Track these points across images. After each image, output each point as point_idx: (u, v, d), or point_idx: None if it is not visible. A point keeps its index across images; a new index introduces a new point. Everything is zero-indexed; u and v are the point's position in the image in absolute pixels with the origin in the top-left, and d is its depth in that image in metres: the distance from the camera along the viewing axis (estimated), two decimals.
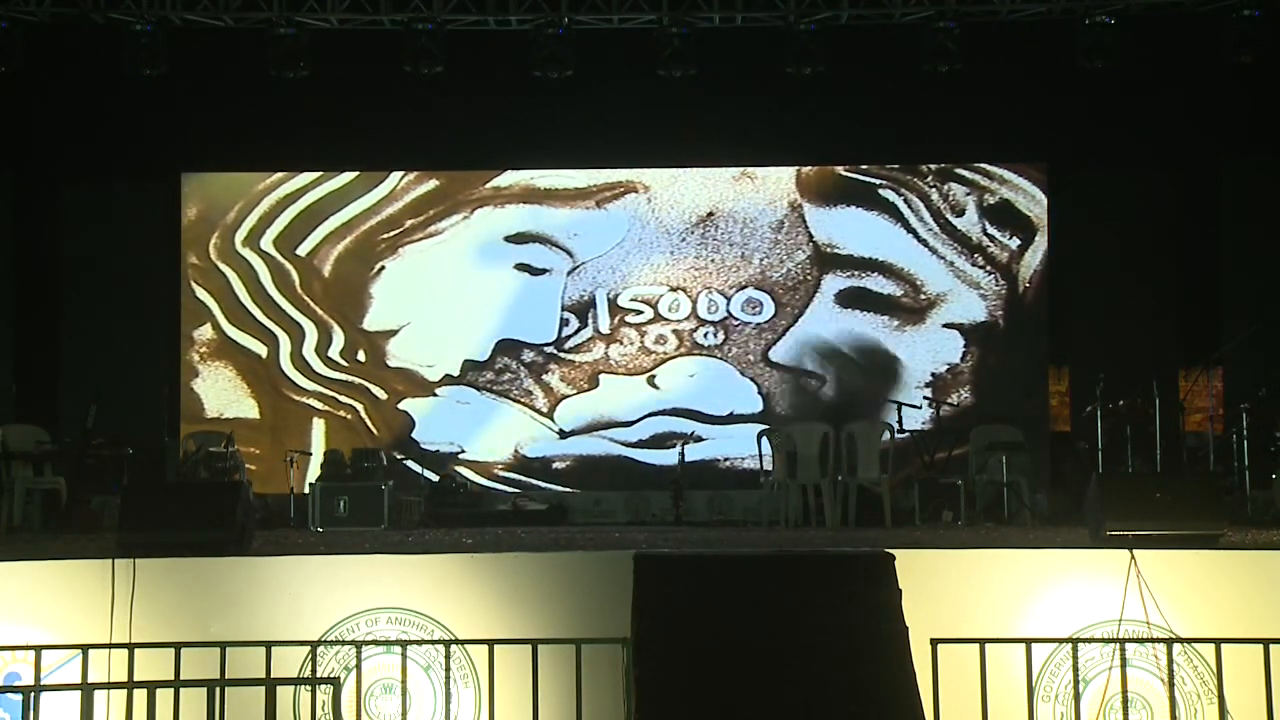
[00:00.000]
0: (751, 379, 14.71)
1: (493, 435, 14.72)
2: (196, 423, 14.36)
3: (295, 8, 13.61)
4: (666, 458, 14.43)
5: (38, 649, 6.99)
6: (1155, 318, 14.23)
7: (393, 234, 14.87)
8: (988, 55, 13.56)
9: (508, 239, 14.88)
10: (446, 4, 13.63)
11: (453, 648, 7.25)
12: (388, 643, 7.32)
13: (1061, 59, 13.53)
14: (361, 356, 14.80)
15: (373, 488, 11.87)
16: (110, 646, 7.10)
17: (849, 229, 14.78)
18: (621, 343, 14.79)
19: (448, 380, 14.78)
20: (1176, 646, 7.16)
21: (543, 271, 14.84)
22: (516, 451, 14.71)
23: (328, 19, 13.71)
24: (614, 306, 14.79)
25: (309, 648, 7.17)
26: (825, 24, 13.52)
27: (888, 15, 13.66)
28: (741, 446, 14.42)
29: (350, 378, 14.78)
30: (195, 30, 13.71)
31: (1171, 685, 7.06)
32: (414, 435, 14.69)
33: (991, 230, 14.67)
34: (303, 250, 14.84)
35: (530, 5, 13.67)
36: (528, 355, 14.80)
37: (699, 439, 14.52)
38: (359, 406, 14.75)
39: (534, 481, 14.59)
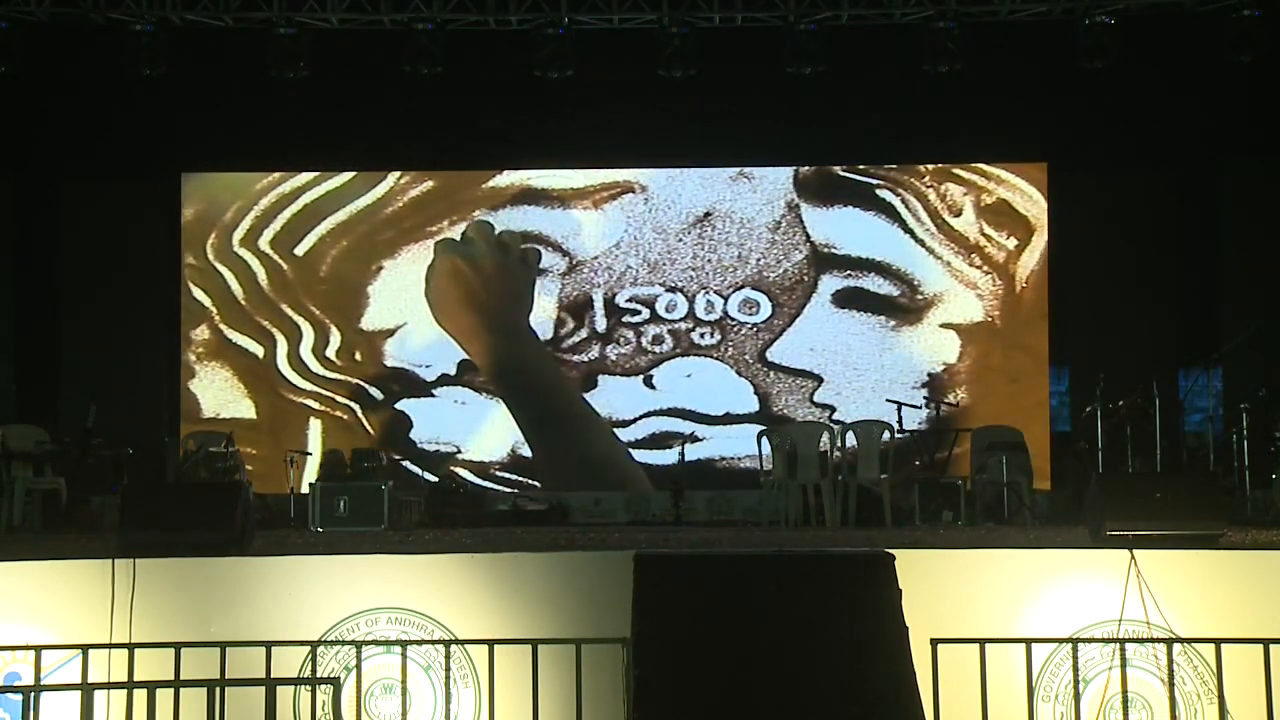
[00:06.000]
0: (748, 379, 14.71)
1: (490, 435, 14.72)
2: (194, 423, 14.35)
3: (295, 8, 13.60)
4: (665, 458, 14.44)
5: (38, 649, 6.99)
6: (1155, 318, 14.24)
7: (390, 234, 14.86)
8: (988, 55, 13.56)
9: None
10: (446, 4, 13.63)
11: (453, 648, 7.25)
12: (388, 643, 7.32)
13: (1061, 59, 13.54)
14: (359, 357, 14.80)
15: (372, 488, 11.84)
16: (110, 646, 7.10)
17: (846, 229, 14.77)
18: (618, 343, 14.79)
19: (445, 380, 14.77)
20: (1176, 646, 7.16)
21: (540, 272, 14.83)
22: (514, 451, 14.71)
23: (328, 19, 13.71)
24: (611, 307, 14.78)
25: (309, 648, 7.16)
26: (825, 24, 13.52)
27: (888, 15, 13.66)
28: (740, 446, 14.43)
29: (347, 378, 14.78)
30: (195, 30, 13.71)
31: (1171, 685, 7.07)
32: (411, 435, 14.69)
33: (989, 230, 14.67)
34: (300, 250, 14.83)
35: (530, 5, 13.67)
36: None
37: (697, 439, 14.53)
38: (356, 407, 14.75)
39: (532, 482, 14.59)
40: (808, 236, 14.78)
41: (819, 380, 14.68)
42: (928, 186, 14.74)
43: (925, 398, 13.85)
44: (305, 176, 14.87)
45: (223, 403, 14.74)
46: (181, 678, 6.73)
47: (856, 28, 13.72)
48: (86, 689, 6.02)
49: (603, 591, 7.36)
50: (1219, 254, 14.46)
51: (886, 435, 11.64)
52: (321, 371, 14.77)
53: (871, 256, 14.74)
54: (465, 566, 7.62)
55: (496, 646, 7.05)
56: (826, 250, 14.77)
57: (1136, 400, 11.63)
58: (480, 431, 14.72)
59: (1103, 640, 7.26)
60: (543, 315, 14.78)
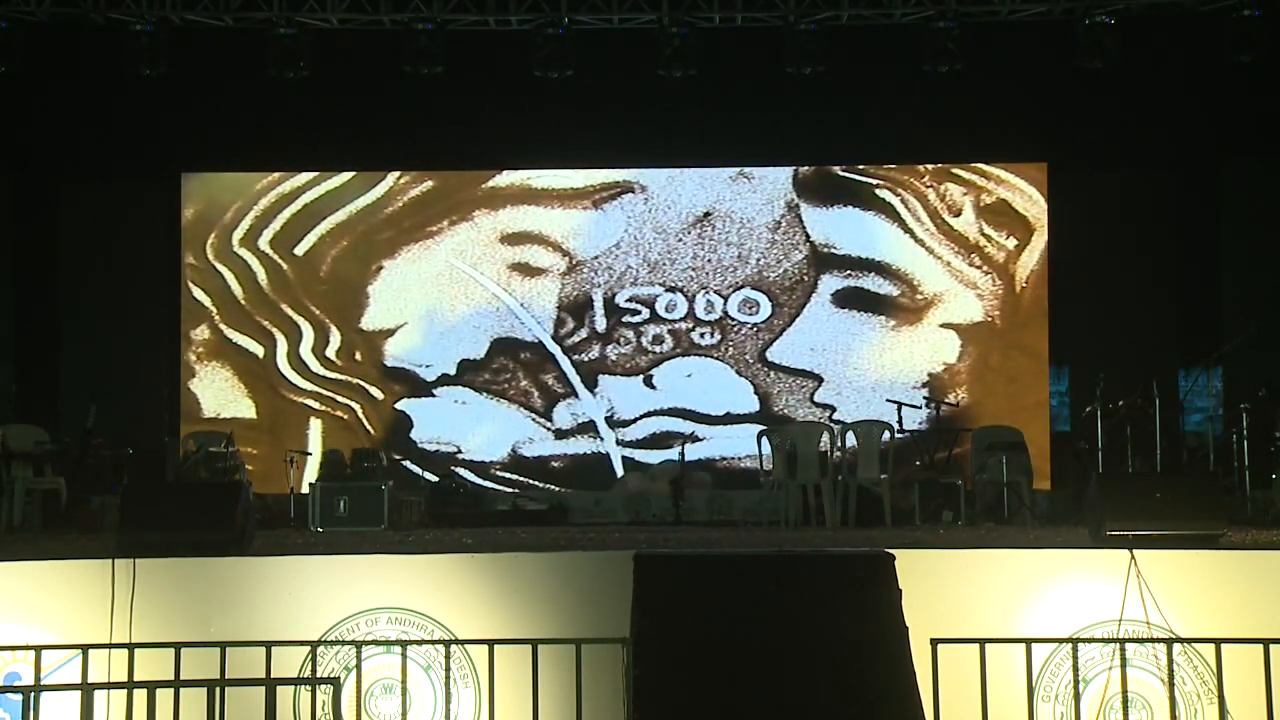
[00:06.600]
0: (749, 379, 14.71)
1: (490, 435, 14.72)
2: (194, 423, 14.35)
3: (295, 8, 13.61)
4: (665, 458, 14.43)
5: (38, 649, 6.98)
6: (1155, 318, 14.24)
7: (390, 234, 14.86)
8: (988, 55, 13.58)
9: (505, 239, 14.88)
10: (446, 4, 13.64)
11: (453, 648, 7.25)
12: (388, 643, 7.32)
13: (1061, 59, 13.54)
14: (359, 356, 14.80)
15: (372, 488, 11.85)
16: (110, 646, 7.10)
17: (846, 229, 14.77)
18: (618, 343, 14.78)
19: (445, 380, 14.77)
20: (1176, 646, 7.16)
21: (540, 272, 14.84)
22: (514, 451, 14.71)
23: (328, 19, 13.71)
24: (611, 306, 14.78)
25: (309, 648, 7.16)
26: (825, 24, 13.54)
27: (888, 15, 13.67)
28: (740, 446, 14.43)
29: (347, 378, 14.78)
30: (195, 30, 13.71)
31: (1171, 685, 7.06)
32: (411, 435, 14.69)
33: (988, 230, 14.67)
34: (300, 250, 14.83)
35: (530, 5, 13.68)
36: (525, 355, 14.80)
37: (697, 439, 14.52)
38: (356, 406, 14.75)
39: (532, 481, 14.59)
40: (807, 236, 14.78)
41: (819, 380, 14.68)
42: (927, 186, 14.73)
43: (925, 398, 13.84)
44: (305, 176, 14.88)
45: (223, 403, 14.74)
46: (181, 678, 6.72)
47: (856, 28, 13.74)
48: (86, 689, 6.01)
49: (603, 591, 7.36)
50: (1219, 254, 14.47)
51: (886, 435, 11.63)
52: (322, 371, 14.77)
53: (871, 256, 14.75)
54: (465, 566, 7.61)
55: (496, 646, 7.04)
56: (826, 250, 14.77)
57: (1136, 400, 11.62)
58: (480, 431, 14.72)
59: (1103, 640, 7.26)
60: (543, 315, 14.79)
